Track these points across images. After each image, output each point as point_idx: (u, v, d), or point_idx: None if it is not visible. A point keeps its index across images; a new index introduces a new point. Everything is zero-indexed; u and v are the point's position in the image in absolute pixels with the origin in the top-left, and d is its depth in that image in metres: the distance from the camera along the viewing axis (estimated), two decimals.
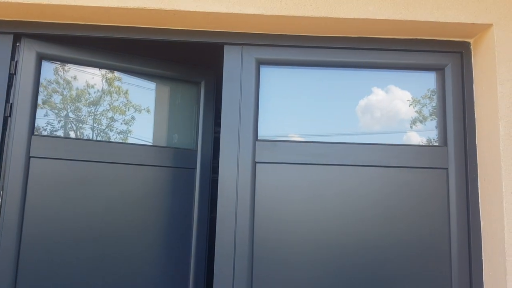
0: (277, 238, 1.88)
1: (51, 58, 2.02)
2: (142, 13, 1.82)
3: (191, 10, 1.79)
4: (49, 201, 1.94)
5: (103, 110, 2.16)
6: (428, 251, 1.89)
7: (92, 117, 2.13)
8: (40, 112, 2.01)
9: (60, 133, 2.06)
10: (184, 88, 2.38)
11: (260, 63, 1.99)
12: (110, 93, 2.19)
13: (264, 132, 1.97)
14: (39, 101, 2.01)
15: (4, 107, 1.91)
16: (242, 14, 1.81)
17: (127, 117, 2.21)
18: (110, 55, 2.15)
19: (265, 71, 2.00)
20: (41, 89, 2.02)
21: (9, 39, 1.94)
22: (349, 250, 1.88)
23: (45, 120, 2.03)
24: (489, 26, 1.84)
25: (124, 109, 2.21)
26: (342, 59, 2.00)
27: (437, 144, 1.99)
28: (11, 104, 1.93)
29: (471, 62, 1.98)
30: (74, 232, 1.96)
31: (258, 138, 1.94)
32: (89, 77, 2.14)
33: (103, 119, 2.16)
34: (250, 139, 1.92)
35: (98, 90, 2.16)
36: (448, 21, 1.83)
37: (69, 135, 2.09)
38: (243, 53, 1.97)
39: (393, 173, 1.94)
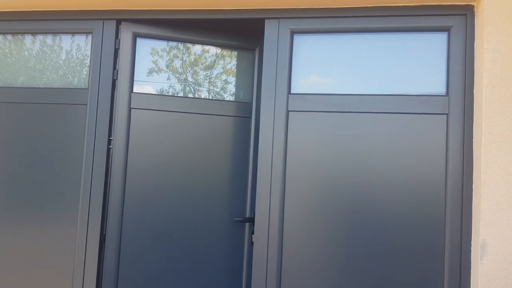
0: (304, 168, 2.45)
1: (143, 36, 2.75)
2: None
3: None
4: (141, 143, 2.71)
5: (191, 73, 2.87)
6: (429, 179, 2.32)
7: (184, 76, 2.85)
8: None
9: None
10: (247, 55, 2.99)
11: (294, 32, 2.52)
12: (196, 60, 2.88)
13: (296, 87, 2.52)
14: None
15: (112, 72, 2.70)
16: None
17: (204, 77, 2.89)
18: (187, 31, 2.82)
19: (297, 38, 2.53)
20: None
21: (114, 23, 2.71)
22: (361, 180, 2.39)
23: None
24: None
25: (202, 72, 2.89)
26: (361, 25, 2.45)
27: (440, 93, 2.37)
28: (117, 70, 2.72)
29: (474, 23, 2.31)
30: (159, 163, 2.73)
31: (291, 92, 2.51)
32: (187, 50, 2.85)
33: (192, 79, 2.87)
34: (285, 93, 2.49)
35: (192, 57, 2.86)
36: None
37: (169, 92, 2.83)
38: (279, 25, 2.52)
39: (402, 118, 2.38)
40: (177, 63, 2.86)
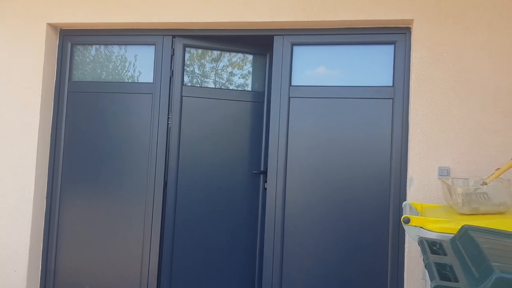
0: (300, 135, 3.71)
1: (190, 46, 4.00)
2: (232, 23, 3.70)
3: (255, 20, 3.62)
4: (189, 120, 3.97)
5: (218, 69, 4.12)
6: (381, 141, 3.57)
7: (214, 73, 4.10)
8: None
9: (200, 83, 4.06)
10: (260, 58, 4.23)
11: (293, 44, 3.77)
12: (227, 63, 4.12)
13: (295, 81, 3.77)
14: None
15: (169, 72, 3.96)
16: (280, 21, 3.59)
17: (232, 74, 4.13)
18: (220, 42, 4.07)
19: (296, 48, 3.78)
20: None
21: (170, 38, 3.97)
22: (334, 146, 3.64)
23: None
24: (412, 20, 3.39)
25: (231, 70, 4.14)
26: (336, 40, 3.69)
27: (388, 85, 3.61)
28: (172, 70, 3.97)
29: (410, 39, 3.54)
30: (202, 133, 3.98)
31: (291, 85, 3.76)
32: (224, 56, 4.10)
33: (220, 74, 4.12)
34: (287, 85, 3.74)
35: (219, 61, 4.11)
36: (389, 18, 3.41)
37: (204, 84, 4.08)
38: (283, 39, 3.77)
39: (362, 101, 3.62)
40: (212, 64, 4.12)
